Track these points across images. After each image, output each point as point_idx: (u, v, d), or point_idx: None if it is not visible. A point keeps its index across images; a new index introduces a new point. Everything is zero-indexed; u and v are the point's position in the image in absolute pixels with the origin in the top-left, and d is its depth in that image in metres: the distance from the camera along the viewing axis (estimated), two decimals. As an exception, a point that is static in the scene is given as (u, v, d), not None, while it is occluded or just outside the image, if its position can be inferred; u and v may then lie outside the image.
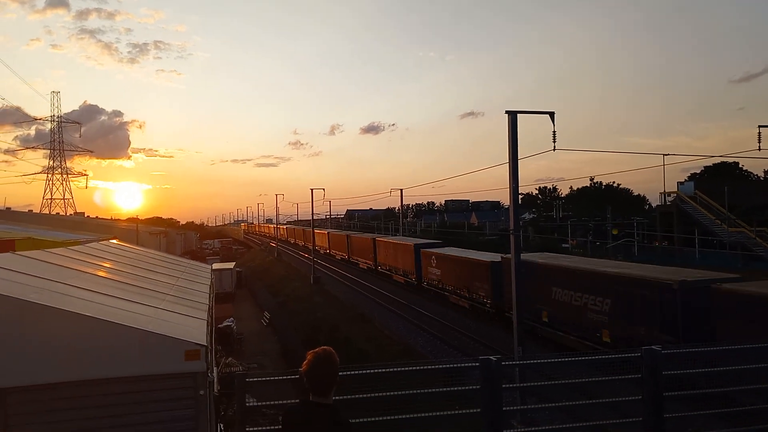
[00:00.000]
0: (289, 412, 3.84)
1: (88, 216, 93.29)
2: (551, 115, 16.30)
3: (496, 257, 27.42)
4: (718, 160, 63.80)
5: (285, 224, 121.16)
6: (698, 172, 71.69)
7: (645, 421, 7.34)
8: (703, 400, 8.87)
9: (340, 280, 47.81)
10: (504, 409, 7.04)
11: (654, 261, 36.03)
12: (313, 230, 61.81)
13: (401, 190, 54.53)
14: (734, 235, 42.21)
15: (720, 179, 57.22)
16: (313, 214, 57.92)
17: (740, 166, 71.15)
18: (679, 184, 51.48)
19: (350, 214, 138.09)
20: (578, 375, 11.04)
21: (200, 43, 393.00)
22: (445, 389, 7.69)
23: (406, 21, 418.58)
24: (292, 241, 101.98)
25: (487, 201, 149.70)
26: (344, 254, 61.52)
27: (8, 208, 64.54)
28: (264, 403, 7.08)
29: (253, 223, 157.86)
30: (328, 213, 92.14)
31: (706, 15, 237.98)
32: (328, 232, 73.53)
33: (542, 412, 11.78)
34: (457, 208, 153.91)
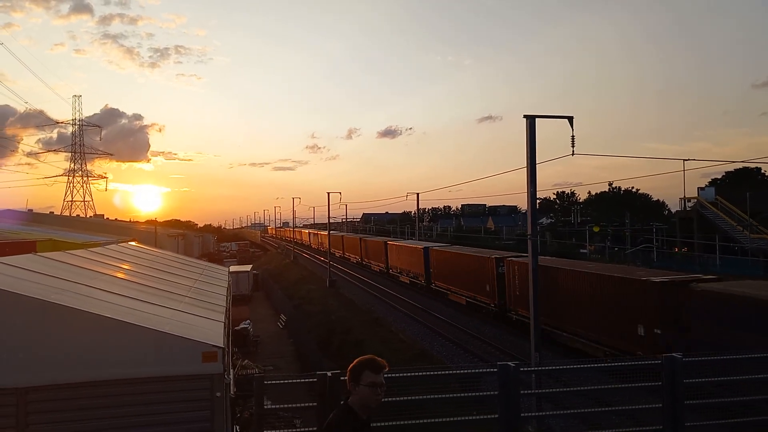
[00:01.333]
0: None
1: (107, 218, 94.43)
2: (570, 119, 16.18)
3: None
4: (739, 165, 63.00)
5: (330, 230, 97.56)
6: (719, 177, 70.91)
7: (664, 430, 7.25)
8: (720, 408, 8.74)
9: (356, 283, 47.86)
10: (521, 414, 6.99)
11: (673, 267, 35.61)
12: (367, 240, 57.05)
13: (417, 194, 54.53)
14: (756, 241, 41.57)
15: (741, 185, 56.47)
16: (329, 217, 58.11)
17: (762, 171, 70.24)
18: (700, 189, 50.86)
19: (366, 217, 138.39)
20: (596, 382, 10.93)
21: (220, 47, 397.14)
22: (463, 395, 7.66)
23: (424, 26, 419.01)
24: (338, 255, 70.18)
25: (504, 205, 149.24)
26: (489, 299, 29.04)
27: (30, 210, 65.60)
28: (281, 405, 7.10)
29: (283, 227, 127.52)
30: (345, 217, 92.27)
31: (729, 19, 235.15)
32: (426, 248, 39.59)
33: (559, 419, 11.70)
34: (474, 212, 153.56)
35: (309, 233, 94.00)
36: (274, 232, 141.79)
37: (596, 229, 56.71)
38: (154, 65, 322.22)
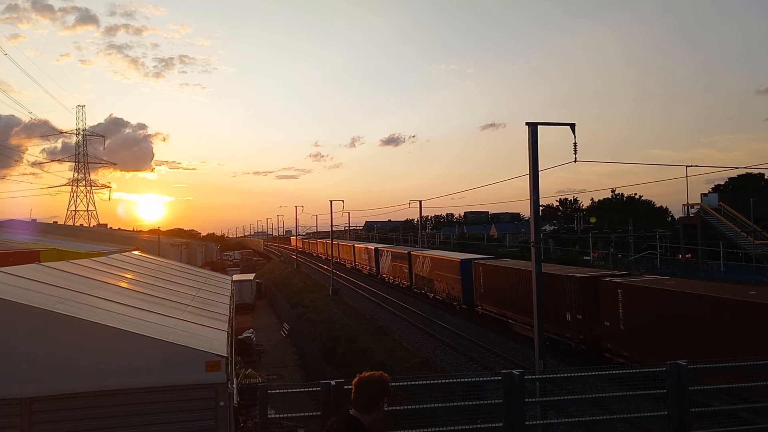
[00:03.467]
0: (332, 423, 3.97)
1: (110, 227, 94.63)
2: (572, 126, 16.21)
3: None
4: (742, 171, 62.88)
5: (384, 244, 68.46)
6: (722, 183, 70.73)
7: (670, 438, 7.20)
8: (727, 416, 8.68)
9: (359, 291, 47.78)
10: (526, 423, 6.95)
11: (677, 274, 35.52)
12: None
13: (420, 201, 54.35)
14: (760, 247, 41.44)
15: (745, 191, 56.37)
16: (332, 225, 58.10)
17: (766, 177, 70.01)
18: (703, 195, 50.78)
19: (369, 225, 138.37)
20: (600, 389, 10.88)
21: (224, 57, 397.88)
22: (467, 403, 7.62)
23: (428, 34, 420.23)
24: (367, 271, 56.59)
25: (507, 213, 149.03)
26: None
27: (34, 220, 65.79)
28: (285, 415, 7.07)
29: (311, 239, 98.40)
30: (347, 224, 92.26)
31: (732, 25, 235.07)
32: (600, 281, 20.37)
33: (564, 427, 11.62)
34: (477, 220, 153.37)
35: (369, 250, 56.53)
36: (299, 246, 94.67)
37: (593, 220, 57.01)
38: (158, 75, 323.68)
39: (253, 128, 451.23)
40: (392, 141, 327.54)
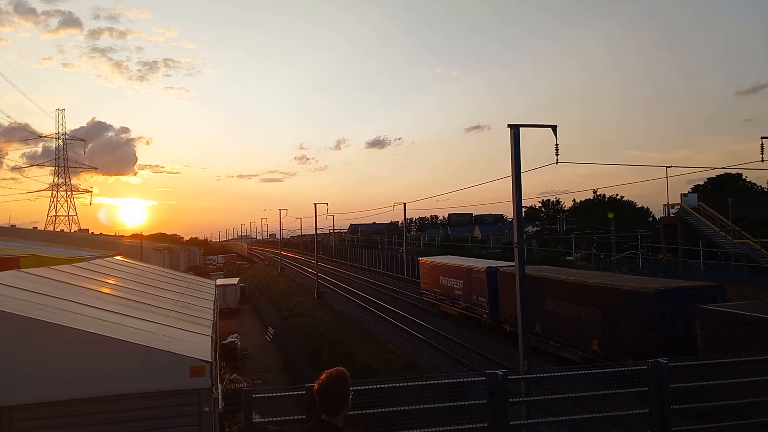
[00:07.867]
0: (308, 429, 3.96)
1: (92, 233, 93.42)
2: (553, 128, 16.35)
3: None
4: (721, 171, 63.91)
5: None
6: (701, 184, 71.75)
7: (652, 435, 7.30)
8: (707, 413, 8.82)
9: (344, 294, 47.70)
10: (510, 423, 7.01)
11: (658, 273, 35.98)
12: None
13: (404, 204, 54.40)
14: (739, 246, 42.08)
15: (723, 191, 57.27)
16: (316, 228, 57.97)
17: (744, 177, 71.20)
18: (683, 196, 51.49)
19: (353, 228, 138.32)
20: (583, 389, 10.99)
21: (209, 60, 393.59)
22: (451, 404, 7.66)
23: (412, 38, 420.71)
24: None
25: (490, 214, 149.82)
26: None
27: (13, 226, 64.73)
28: (269, 419, 7.05)
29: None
30: (332, 227, 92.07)
31: (713, 28, 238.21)
32: None
33: (548, 427, 11.71)
34: (461, 221, 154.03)
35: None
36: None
37: (611, 215, 57.95)
38: (142, 78, 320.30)
39: (238, 132, 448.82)
40: (377, 143, 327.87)
